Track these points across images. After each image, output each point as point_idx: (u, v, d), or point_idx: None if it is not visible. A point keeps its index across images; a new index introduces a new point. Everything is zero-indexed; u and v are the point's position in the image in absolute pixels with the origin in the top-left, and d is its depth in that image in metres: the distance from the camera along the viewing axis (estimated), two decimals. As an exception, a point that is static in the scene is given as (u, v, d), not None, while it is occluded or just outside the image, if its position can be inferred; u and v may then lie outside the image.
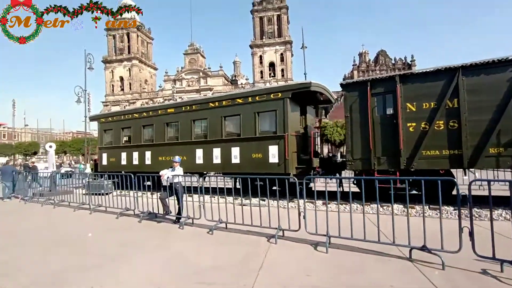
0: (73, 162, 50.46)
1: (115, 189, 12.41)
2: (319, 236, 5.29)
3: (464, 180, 6.62)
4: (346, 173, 10.11)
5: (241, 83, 77.52)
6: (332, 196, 7.28)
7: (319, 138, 11.63)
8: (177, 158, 7.65)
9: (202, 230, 6.60)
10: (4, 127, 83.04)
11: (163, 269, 4.49)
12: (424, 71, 7.86)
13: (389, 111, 8.27)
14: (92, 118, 16.96)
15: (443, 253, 4.12)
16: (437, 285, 3.62)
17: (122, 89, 75.80)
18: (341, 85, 8.94)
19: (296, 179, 5.87)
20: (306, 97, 10.51)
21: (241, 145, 10.39)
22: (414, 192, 8.34)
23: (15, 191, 13.01)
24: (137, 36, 76.87)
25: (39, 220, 8.56)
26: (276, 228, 5.77)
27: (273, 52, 73.07)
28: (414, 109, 7.89)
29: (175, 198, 7.39)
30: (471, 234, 4.01)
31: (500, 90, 7.11)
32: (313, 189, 10.72)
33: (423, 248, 4.34)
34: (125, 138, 14.06)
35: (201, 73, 71.98)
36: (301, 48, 24.93)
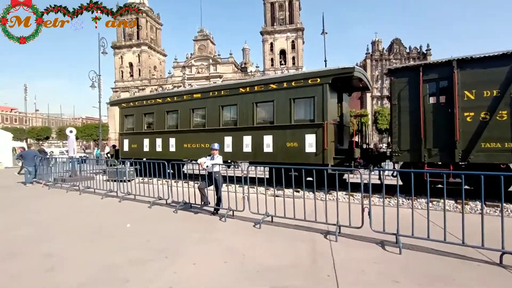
0: (84, 148, 50.64)
1: (136, 176, 12.11)
2: (381, 234, 4.84)
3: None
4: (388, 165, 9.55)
5: (251, 71, 76.42)
6: (374, 190, 6.76)
7: (366, 127, 10.99)
8: (216, 145, 7.13)
9: (247, 224, 6.18)
10: (16, 112, 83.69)
11: (224, 267, 4.06)
12: (486, 55, 7.14)
13: (443, 99, 7.63)
14: (113, 103, 16.55)
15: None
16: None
17: (132, 75, 75.25)
18: (389, 70, 8.29)
19: (358, 170, 5.36)
20: (344, 83, 9.89)
21: (275, 133, 9.87)
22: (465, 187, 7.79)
23: (36, 176, 12.76)
24: (146, 21, 75.69)
25: (68, 207, 8.23)
26: (335, 224, 5.30)
27: (284, 39, 71.53)
28: (472, 97, 7.24)
29: (214, 188, 6.96)
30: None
31: None
32: (347, 181, 10.32)
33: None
34: (148, 124, 13.63)
35: (211, 60, 70.95)
36: (321, 34, 24.17)
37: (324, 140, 8.85)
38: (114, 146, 17.67)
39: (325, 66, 21.69)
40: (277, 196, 6.52)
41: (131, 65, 75.21)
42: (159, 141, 12.89)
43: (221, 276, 3.78)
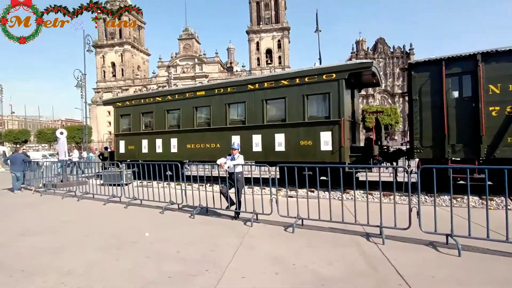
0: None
1: (134, 179, 11.41)
2: (429, 235, 4.55)
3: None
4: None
5: (237, 70, 75.85)
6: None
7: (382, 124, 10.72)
8: (236, 144, 6.62)
9: (276, 228, 5.75)
10: (-11, 115, 79.30)
11: (278, 279, 3.61)
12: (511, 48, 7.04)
13: (467, 93, 7.46)
14: (106, 102, 15.61)
15: None
16: None
17: (114, 75, 72.99)
18: (410, 64, 8.05)
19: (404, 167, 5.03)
20: (357, 79, 9.62)
21: (287, 131, 9.45)
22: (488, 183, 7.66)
23: (24, 182, 11.80)
24: (129, 19, 73.56)
25: (70, 215, 7.44)
26: (378, 226, 4.96)
27: (270, 38, 71.47)
28: (498, 92, 7.10)
29: (235, 191, 6.48)
30: None
31: None
32: (359, 179, 10.06)
33: None
34: (146, 124, 12.90)
35: (196, 59, 69.89)
36: (314, 32, 23.99)
37: (342, 137, 8.53)
38: (106, 148, 16.77)
39: (320, 64, 21.53)
40: (303, 197, 6.11)
41: (113, 64, 72.96)
42: (159, 142, 12.21)
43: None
